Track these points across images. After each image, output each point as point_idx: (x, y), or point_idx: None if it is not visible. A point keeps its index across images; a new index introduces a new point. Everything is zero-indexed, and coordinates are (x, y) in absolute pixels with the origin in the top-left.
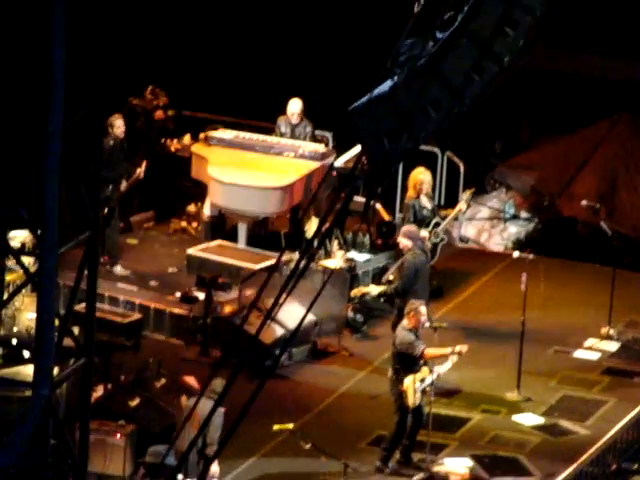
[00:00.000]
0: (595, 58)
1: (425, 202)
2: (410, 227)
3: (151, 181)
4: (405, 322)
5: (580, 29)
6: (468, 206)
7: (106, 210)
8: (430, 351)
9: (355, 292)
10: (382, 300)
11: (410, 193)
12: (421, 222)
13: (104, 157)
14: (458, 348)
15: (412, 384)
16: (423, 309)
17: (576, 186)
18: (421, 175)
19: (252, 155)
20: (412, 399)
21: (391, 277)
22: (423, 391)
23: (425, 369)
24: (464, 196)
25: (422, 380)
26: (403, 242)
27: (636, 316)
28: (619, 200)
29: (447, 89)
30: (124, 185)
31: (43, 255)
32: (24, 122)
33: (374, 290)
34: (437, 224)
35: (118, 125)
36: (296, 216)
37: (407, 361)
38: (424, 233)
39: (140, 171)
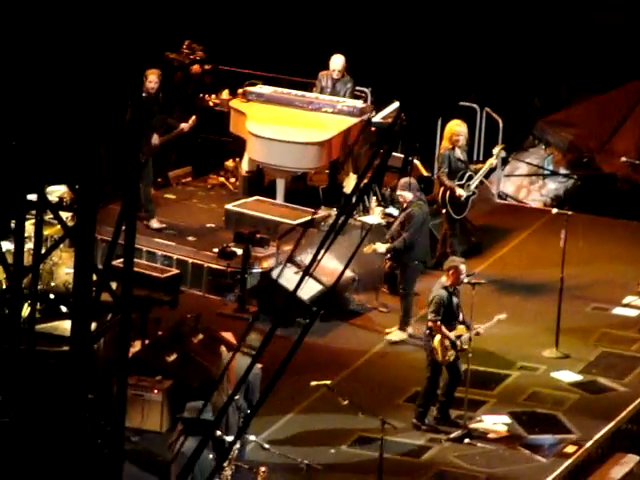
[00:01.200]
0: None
1: (459, 154)
2: (407, 179)
3: (189, 136)
4: (444, 279)
5: None
6: (498, 161)
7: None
8: (442, 328)
9: (366, 250)
10: (389, 256)
11: (445, 144)
12: (455, 173)
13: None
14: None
15: (443, 340)
16: (463, 267)
17: (615, 142)
18: (457, 127)
19: (290, 110)
20: (441, 355)
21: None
22: (457, 348)
23: (461, 327)
24: (495, 151)
25: (457, 337)
26: (404, 195)
27: None
28: None
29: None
30: (156, 138)
31: (81, 210)
32: (61, 78)
33: (380, 247)
34: (470, 177)
35: (150, 79)
36: (334, 172)
37: (444, 317)
38: (459, 192)
39: (186, 125)
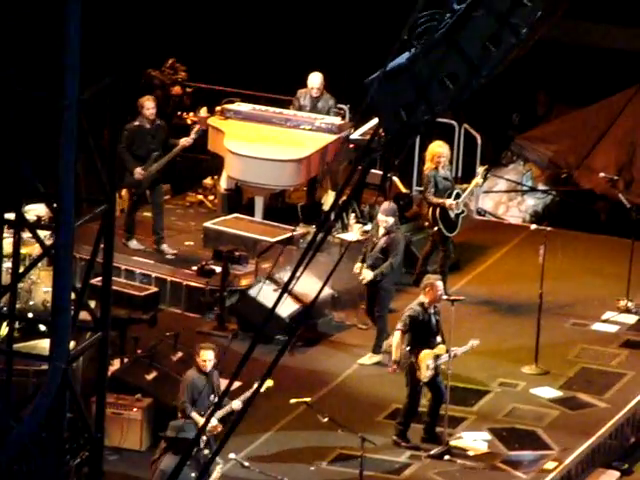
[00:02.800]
0: (613, 29)
1: (443, 173)
2: (389, 203)
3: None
4: (421, 296)
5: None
6: (484, 180)
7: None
8: (397, 339)
9: (356, 269)
10: (365, 281)
11: (428, 165)
12: (442, 192)
13: (128, 137)
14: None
15: (426, 359)
16: (439, 284)
17: (594, 158)
18: (439, 148)
19: (268, 128)
20: (424, 373)
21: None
22: (436, 368)
23: (442, 347)
24: (480, 170)
25: (437, 357)
26: (388, 220)
27: None
28: (637, 172)
29: (464, 61)
30: (139, 171)
31: (59, 228)
32: (41, 92)
33: (368, 275)
34: (458, 195)
35: (147, 107)
36: (313, 189)
37: (421, 335)
38: (450, 202)
39: (186, 140)
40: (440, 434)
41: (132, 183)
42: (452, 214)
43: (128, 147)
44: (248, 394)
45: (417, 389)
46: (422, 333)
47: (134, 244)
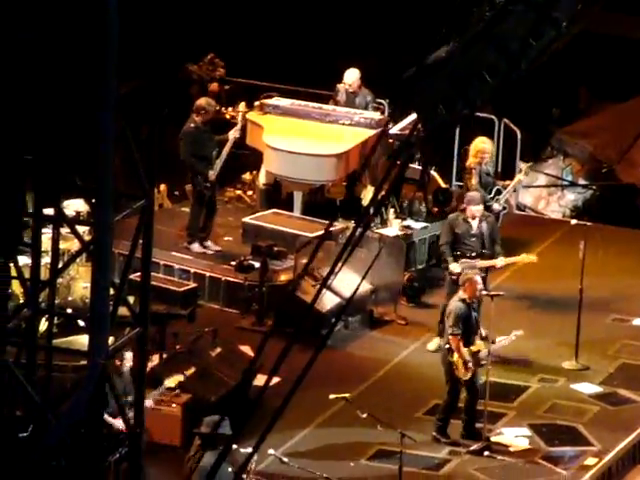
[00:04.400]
0: None
1: (486, 169)
2: (473, 194)
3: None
4: (460, 292)
5: None
6: (526, 176)
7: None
8: (459, 345)
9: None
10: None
11: (471, 159)
12: (484, 188)
13: (189, 142)
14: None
15: (465, 356)
16: (478, 279)
17: (635, 153)
18: (483, 145)
19: (308, 123)
20: (462, 371)
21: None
22: (476, 365)
23: (480, 342)
24: (522, 167)
25: (475, 354)
26: (480, 208)
27: None
28: None
29: (504, 54)
30: (212, 174)
31: (98, 224)
32: (79, 89)
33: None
34: (499, 191)
35: (208, 110)
36: (352, 184)
37: (462, 332)
38: (487, 198)
39: (233, 133)
40: (480, 430)
41: (204, 185)
42: (496, 207)
43: (191, 151)
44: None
45: (457, 386)
46: (464, 330)
47: (196, 247)
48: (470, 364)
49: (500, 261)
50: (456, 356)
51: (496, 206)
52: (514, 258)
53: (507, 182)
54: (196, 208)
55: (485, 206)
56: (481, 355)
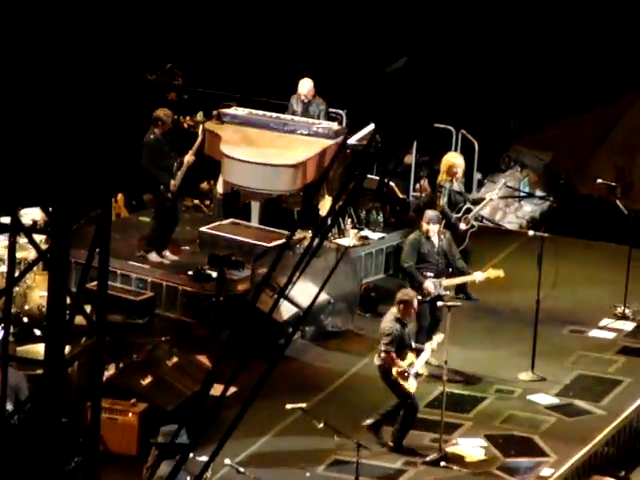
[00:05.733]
0: (615, 35)
1: (457, 187)
2: (431, 212)
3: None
4: (394, 310)
5: (596, 6)
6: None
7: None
8: (394, 359)
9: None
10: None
11: (443, 177)
12: (454, 206)
13: (150, 152)
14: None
15: (401, 367)
16: (415, 302)
17: (592, 164)
18: (455, 159)
19: (265, 132)
20: (407, 386)
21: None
22: (416, 375)
23: (410, 354)
24: (497, 185)
25: (410, 365)
26: (438, 227)
27: None
28: (635, 178)
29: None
30: (173, 184)
31: (54, 232)
32: (37, 98)
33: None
34: (468, 210)
35: (167, 120)
36: (309, 194)
37: (398, 349)
38: (455, 217)
39: (188, 158)
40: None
41: (166, 196)
42: (462, 227)
43: (152, 162)
44: None
45: (408, 398)
46: (398, 347)
47: (153, 256)
48: (408, 374)
49: (479, 276)
50: (395, 371)
51: (462, 226)
52: (487, 273)
53: (476, 197)
54: (158, 218)
55: (451, 225)
56: (416, 367)
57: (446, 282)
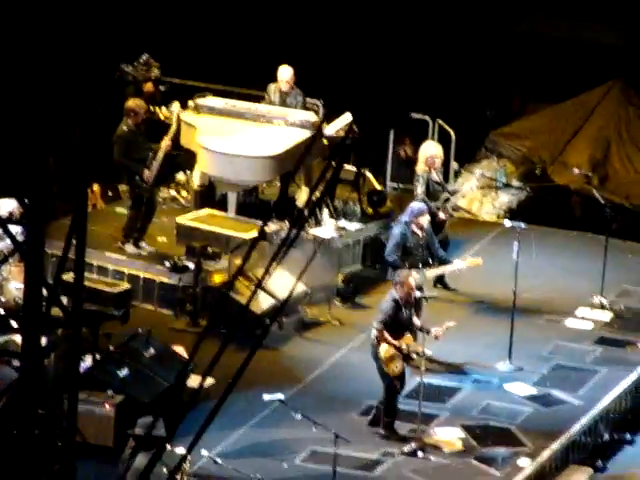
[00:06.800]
0: (588, 24)
1: (435, 177)
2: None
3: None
4: (393, 292)
5: None
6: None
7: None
8: (387, 336)
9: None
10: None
11: (421, 167)
12: (432, 196)
13: (123, 144)
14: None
15: (388, 352)
16: (412, 280)
17: (568, 154)
18: (434, 149)
19: (242, 123)
20: (391, 367)
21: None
22: (406, 358)
23: (408, 336)
24: (476, 174)
25: (401, 348)
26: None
27: (628, 285)
28: (612, 168)
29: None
30: (148, 174)
31: (31, 224)
32: (11, 90)
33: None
34: (447, 199)
35: (141, 111)
36: (286, 185)
37: (393, 330)
38: (435, 206)
39: (165, 144)
40: (410, 430)
41: (142, 187)
42: (441, 217)
43: (125, 154)
44: None
45: (392, 380)
46: (394, 328)
47: (130, 248)
48: (397, 357)
49: (459, 264)
50: (382, 350)
51: (441, 215)
52: (467, 262)
53: (455, 188)
54: (134, 210)
55: (430, 215)
56: (411, 349)
57: (429, 273)
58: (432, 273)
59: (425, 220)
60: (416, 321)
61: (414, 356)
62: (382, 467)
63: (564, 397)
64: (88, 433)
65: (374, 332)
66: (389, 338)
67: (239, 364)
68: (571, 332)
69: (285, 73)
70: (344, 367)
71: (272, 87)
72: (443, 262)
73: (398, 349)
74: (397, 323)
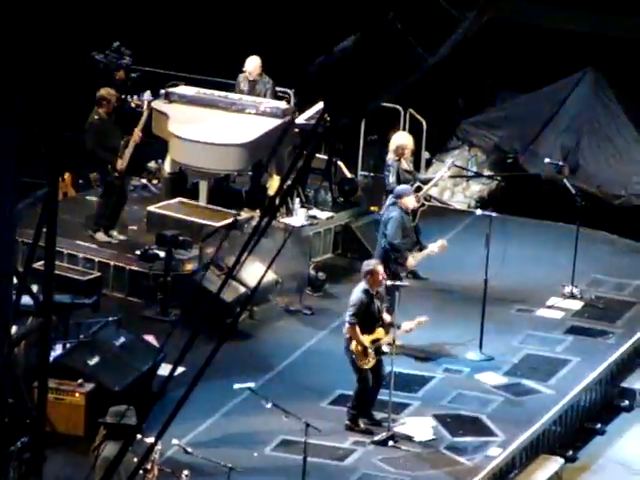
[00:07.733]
0: (560, 11)
1: (405, 165)
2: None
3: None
4: (363, 283)
5: None
6: (448, 171)
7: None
8: (357, 332)
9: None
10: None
11: (391, 156)
12: (403, 184)
13: (95, 133)
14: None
15: (362, 343)
16: (380, 268)
17: (540, 144)
18: (404, 140)
19: (213, 112)
20: (363, 360)
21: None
22: (378, 352)
23: (380, 330)
24: (447, 163)
25: (374, 341)
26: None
27: (599, 274)
28: (583, 158)
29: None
30: (121, 163)
31: (0, 212)
32: None
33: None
34: (418, 188)
35: (112, 99)
36: (258, 173)
37: (365, 322)
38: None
39: (136, 135)
40: (382, 420)
41: (113, 175)
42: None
43: (97, 142)
44: None
45: (365, 375)
46: (366, 320)
47: (101, 236)
48: (370, 351)
49: (434, 247)
50: (354, 344)
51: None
52: (439, 245)
53: (427, 177)
54: (105, 198)
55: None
56: (382, 342)
57: (417, 256)
58: (418, 257)
59: (411, 201)
60: (386, 317)
61: (386, 349)
62: (353, 456)
63: (535, 386)
64: (58, 422)
65: (346, 326)
66: (360, 337)
67: (209, 353)
68: (542, 321)
69: (251, 63)
70: (315, 356)
71: (241, 77)
72: (421, 248)
73: (365, 350)
74: (369, 315)
